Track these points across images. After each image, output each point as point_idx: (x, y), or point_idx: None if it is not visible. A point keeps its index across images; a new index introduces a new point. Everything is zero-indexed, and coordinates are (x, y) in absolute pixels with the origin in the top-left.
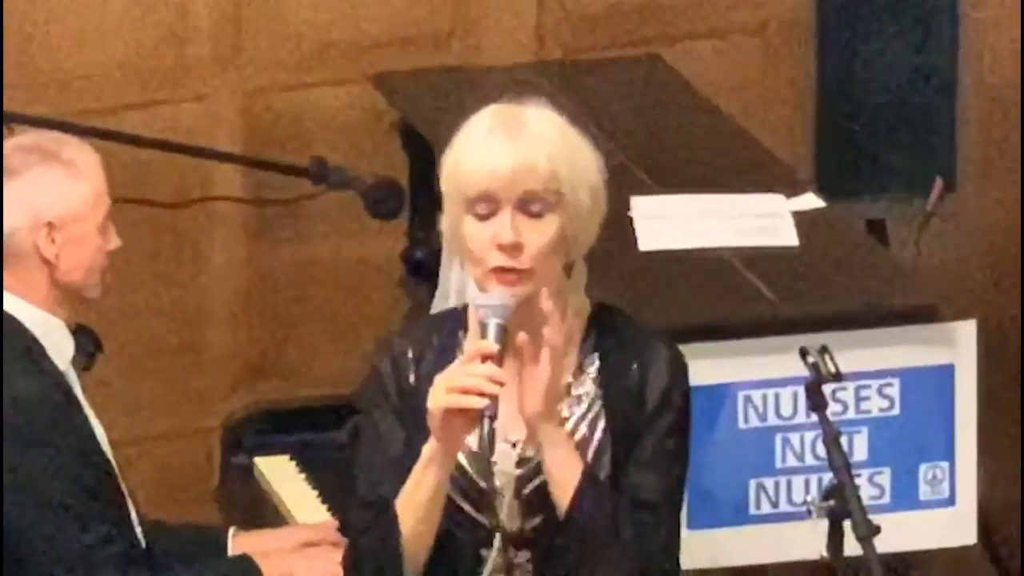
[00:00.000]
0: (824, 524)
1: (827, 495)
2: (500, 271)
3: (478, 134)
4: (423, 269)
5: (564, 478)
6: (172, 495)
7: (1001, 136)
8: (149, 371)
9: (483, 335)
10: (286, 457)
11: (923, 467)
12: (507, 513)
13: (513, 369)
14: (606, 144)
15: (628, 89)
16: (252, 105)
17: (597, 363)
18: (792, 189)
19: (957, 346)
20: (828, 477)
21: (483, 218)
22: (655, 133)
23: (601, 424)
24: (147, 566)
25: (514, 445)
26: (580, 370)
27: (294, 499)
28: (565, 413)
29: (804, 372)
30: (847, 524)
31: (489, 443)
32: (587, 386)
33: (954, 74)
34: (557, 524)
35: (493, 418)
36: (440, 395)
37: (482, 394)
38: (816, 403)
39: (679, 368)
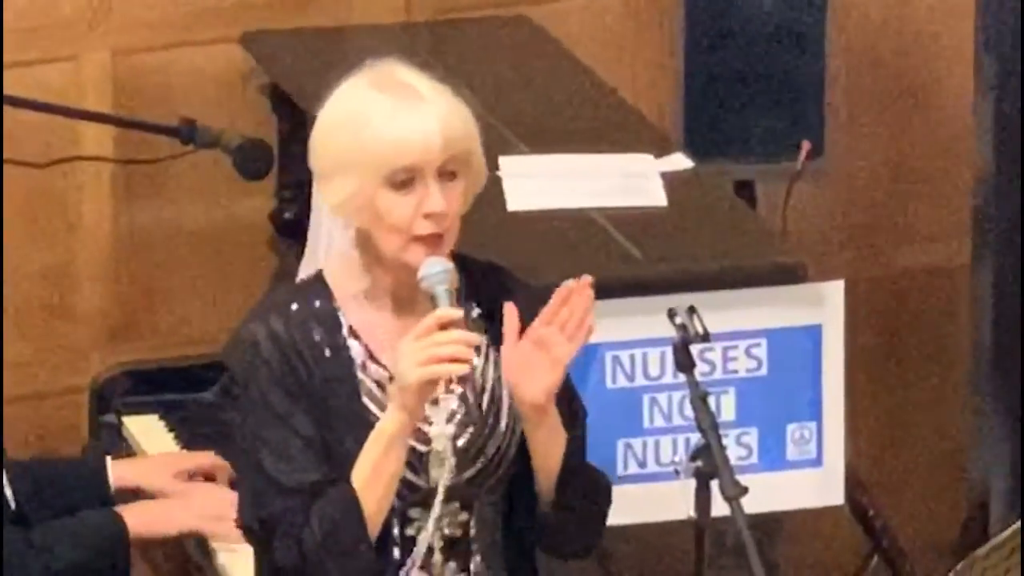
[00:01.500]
0: (692, 485)
1: (695, 455)
2: (427, 238)
3: (383, 107)
4: (291, 229)
5: (552, 463)
6: (41, 454)
7: (869, 98)
8: (18, 331)
9: (435, 304)
10: (155, 416)
11: (790, 427)
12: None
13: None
14: (475, 105)
15: (496, 50)
16: (121, 65)
17: (476, 309)
18: (660, 149)
19: (824, 307)
20: (696, 437)
21: (402, 187)
22: (524, 93)
23: (498, 365)
24: (19, 524)
25: (435, 402)
26: (466, 320)
27: None
28: (475, 363)
29: (672, 332)
30: (715, 484)
31: (474, 408)
32: (476, 334)
33: (822, 36)
34: (493, 467)
35: (465, 380)
36: (414, 370)
37: (459, 360)
38: (684, 363)
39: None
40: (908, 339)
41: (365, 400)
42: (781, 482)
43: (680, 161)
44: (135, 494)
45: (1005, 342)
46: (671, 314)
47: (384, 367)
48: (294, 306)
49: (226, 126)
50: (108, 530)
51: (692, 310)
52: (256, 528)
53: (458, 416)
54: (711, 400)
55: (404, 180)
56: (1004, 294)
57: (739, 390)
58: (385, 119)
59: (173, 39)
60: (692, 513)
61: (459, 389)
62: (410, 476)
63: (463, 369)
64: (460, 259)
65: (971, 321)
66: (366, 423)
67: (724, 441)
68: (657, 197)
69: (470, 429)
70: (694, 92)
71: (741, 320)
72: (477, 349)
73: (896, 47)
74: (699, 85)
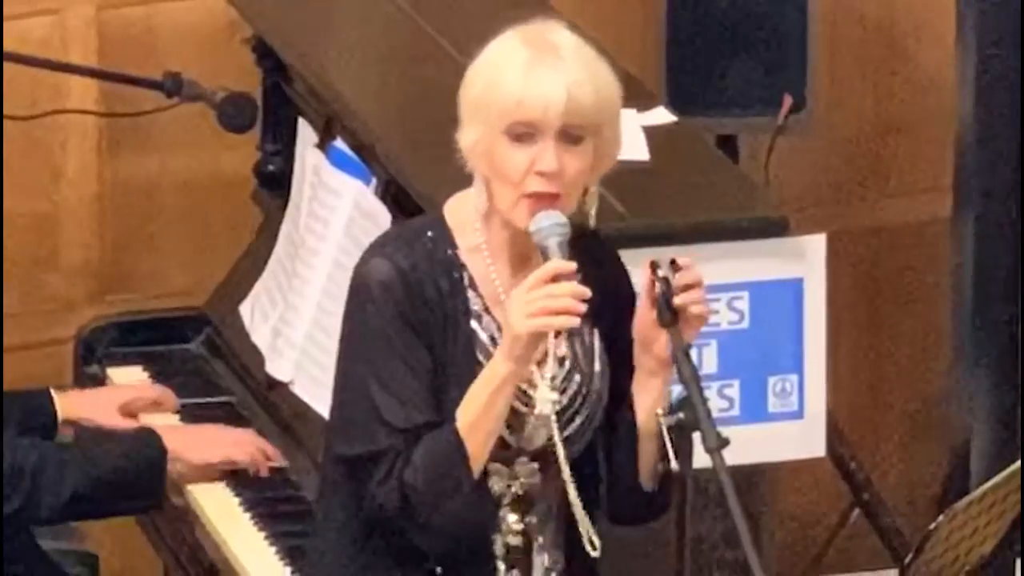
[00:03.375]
0: (674, 436)
1: (677, 407)
2: (538, 196)
3: (519, 61)
4: (274, 182)
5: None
6: None
7: (850, 51)
8: (4, 283)
9: (546, 257)
10: (139, 367)
11: (772, 380)
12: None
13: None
14: (455, 55)
15: (480, 6)
16: (106, 19)
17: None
18: (643, 104)
19: (806, 260)
20: (678, 389)
21: (521, 141)
22: None
23: (593, 328)
24: None
25: (538, 364)
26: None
27: None
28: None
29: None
30: (697, 436)
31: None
32: (586, 288)
33: None
34: (582, 431)
35: (572, 333)
36: (525, 320)
37: (572, 313)
38: (666, 316)
39: (616, 252)
40: (890, 292)
41: (477, 351)
42: (763, 434)
43: (662, 115)
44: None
45: (985, 295)
46: (653, 267)
47: (497, 321)
48: (419, 247)
49: (210, 80)
50: (149, 446)
51: (674, 263)
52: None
53: (558, 380)
54: (693, 352)
55: (523, 134)
56: (985, 247)
57: (721, 342)
58: (517, 72)
59: None
60: (675, 464)
61: (563, 347)
62: (507, 436)
63: (573, 322)
64: None
65: (952, 274)
66: (474, 374)
67: (706, 393)
68: (640, 151)
69: (567, 393)
70: (677, 46)
71: (723, 273)
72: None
73: (878, 1)
74: (681, 39)
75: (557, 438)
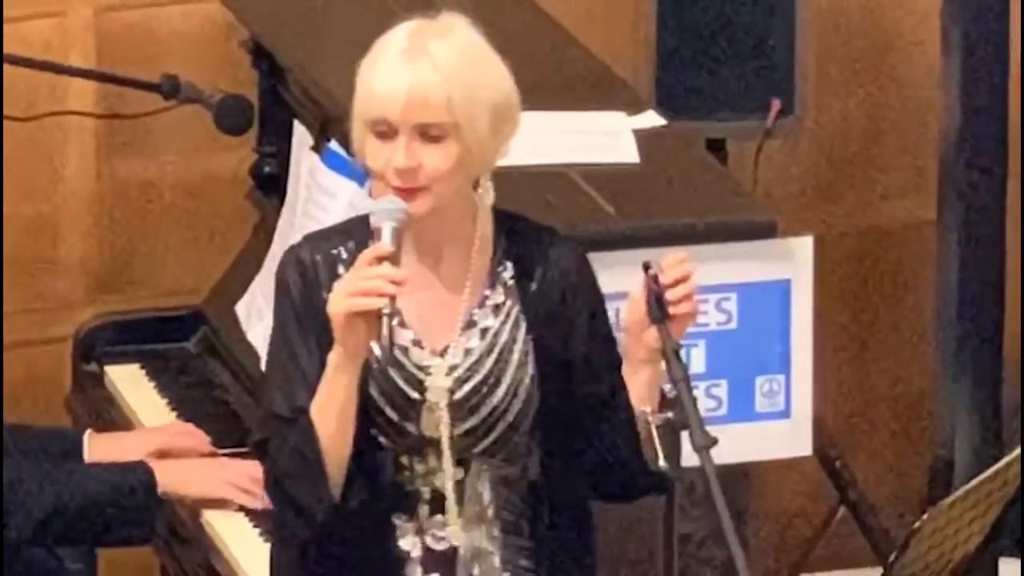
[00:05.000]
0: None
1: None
2: (399, 190)
3: (385, 57)
4: (271, 183)
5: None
6: (25, 403)
7: (838, 56)
8: (4, 282)
9: (378, 239)
10: (136, 365)
11: (759, 380)
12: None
13: (423, 276)
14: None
15: (471, 8)
16: (104, 22)
17: (511, 269)
18: (633, 107)
19: (793, 262)
20: (667, 389)
21: (382, 137)
22: (499, 52)
23: (522, 328)
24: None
25: (441, 354)
26: (493, 278)
27: (143, 407)
28: (490, 322)
29: None
30: (685, 435)
31: (390, 343)
32: (503, 293)
33: None
34: (487, 427)
35: (391, 316)
36: (339, 300)
37: (381, 294)
38: (656, 316)
39: (584, 260)
40: (876, 294)
41: (372, 344)
42: (750, 433)
43: (652, 119)
44: None
45: (969, 297)
46: (646, 267)
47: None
48: (329, 242)
49: (208, 82)
50: (137, 477)
51: (646, 266)
52: (252, 449)
53: (459, 370)
54: (682, 352)
55: (382, 131)
56: (969, 249)
57: (709, 343)
58: (378, 67)
59: None
60: (663, 463)
61: (388, 324)
62: (401, 422)
63: (380, 302)
64: (504, 217)
65: (937, 276)
66: (365, 363)
67: (695, 393)
68: (630, 154)
69: (468, 385)
70: (667, 51)
71: (712, 274)
72: (497, 308)
73: (866, 5)
74: (671, 45)
75: (444, 428)
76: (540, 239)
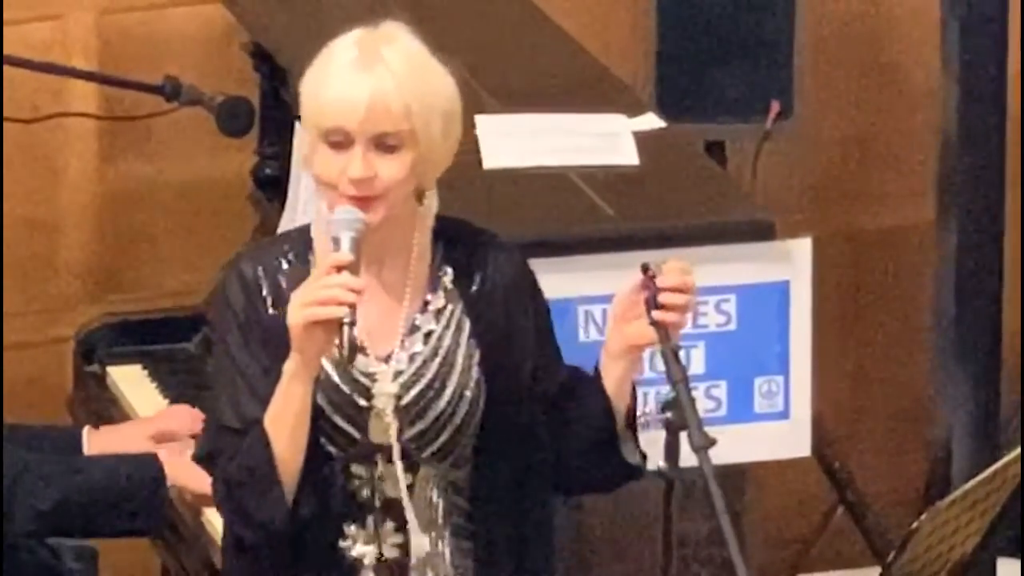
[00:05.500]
0: (662, 436)
1: (665, 407)
2: (353, 199)
3: (337, 66)
4: (272, 185)
5: (624, 399)
6: (27, 404)
7: (837, 59)
8: (5, 282)
9: (336, 248)
10: (138, 366)
11: (758, 381)
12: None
13: (395, 284)
14: (450, 62)
15: (473, 10)
16: (106, 24)
17: (451, 274)
18: (633, 110)
19: (792, 263)
20: (666, 390)
21: (337, 147)
22: (500, 54)
23: (465, 331)
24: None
25: (386, 360)
26: (434, 283)
27: (145, 407)
28: (432, 326)
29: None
30: (684, 436)
31: (350, 351)
32: (444, 298)
33: None
34: (435, 432)
35: (352, 325)
36: (298, 310)
37: (340, 303)
38: (653, 318)
39: (524, 262)
40: (874, 295)
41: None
42: (749, 434)
43: (652, 121)
44: None
45: (967, 299)
46: (645, 268)
47: None
48: (269, 254)
49: (209, 85)
50: (146, 469)
51: (645, 267)
52: (201, 462)
53: (405, 376)
54: (681, 353)
55: (337, 141)
56: (967, 251)
57: (709, 344)
58: (331, 77)
59: None
60: (662, 463)
61: (348, 332)
62: (350, 429)
63: (340, 311)
64: (442, 222)
65: (934, 277)
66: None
67: (693, 394)
68: (630, 156)
69: (415, 389)
70: (666, 54)
71: (711, 276)
72: (439, 313)
73: (864, 10)
74: (671, 47)
75: (393, 433)
76: (478, 243)
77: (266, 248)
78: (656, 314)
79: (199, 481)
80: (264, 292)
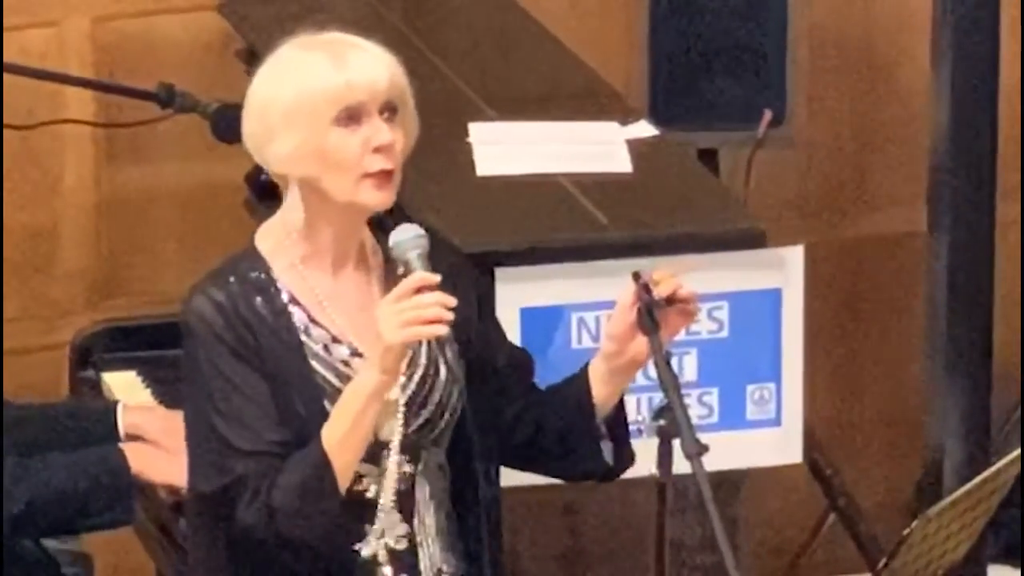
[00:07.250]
0: (654, 442)
1: (657, 414)
2: (377, 176)
3: (320, 59)
4: (266, 191)
5: (613, 401)
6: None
7: (830, 67)
8: (2, 289)
9: (409, 269)
10: (132, 372)
11: (750, 388)
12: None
13: (363, 283)
14: (444, 69)
15: (467, 18)
16: (102, 31)
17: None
18: (626, 117)
19: (784, 271)
20: (659, 397)
21: (350, 125)
22: (493, 62)
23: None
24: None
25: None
26: (391, 274)
27: None
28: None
29: None
30: (677, 443)
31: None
32: (450, 296)
33: (784, 5)
34: (438, 415)
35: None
36: (397, 331)
37: (442, 321)
38: (648, 325)
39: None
40: (866, 303)
41: (312, 363)
42: (741, 441)
43: (645, 129)
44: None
45: (959, 307)
46: (636, 276)
47: (326, 329)
48: (232, 278)
49: (204, 91)
50: (109, 462)
51: (636, 275)
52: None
53: (403, 366)
54: (674, 361)
55: (352, 117)
56: (959, 260)
57: (701, 351)
58: (328, 66)
59: (152, 6)
60: (655, 470)
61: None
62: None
63: (443, 330)
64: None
65: (927, 285)
66: (315, 385)
67: (686, 401)
68: (623, 164)
69: (413, 383)
70: (659, 62)
71: (703, 283)
72: None
73: (857, 17)
74: (664, 55)
75: (399, 425)
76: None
77: (222, 274)
78: (666, 319)
79: (162, 473)
80: (245, 316)
